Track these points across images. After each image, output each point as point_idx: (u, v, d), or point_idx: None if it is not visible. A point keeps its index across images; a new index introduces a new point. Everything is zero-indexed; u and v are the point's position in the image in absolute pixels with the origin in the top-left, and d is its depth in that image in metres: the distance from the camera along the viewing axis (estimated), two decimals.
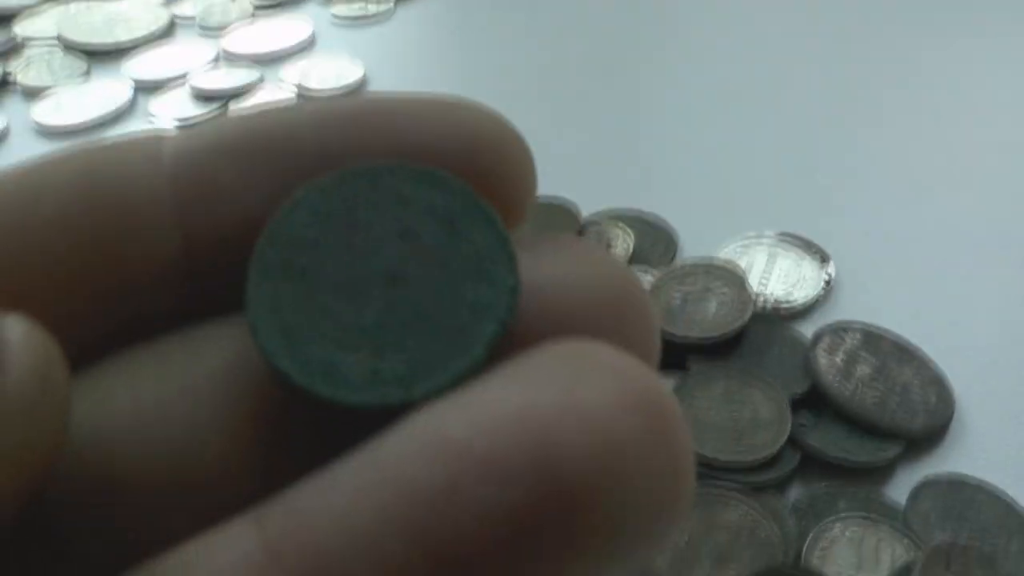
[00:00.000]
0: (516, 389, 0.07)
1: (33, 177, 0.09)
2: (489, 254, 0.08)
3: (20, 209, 0.09)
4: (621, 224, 0.32)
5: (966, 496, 0.23)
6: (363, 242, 0.09)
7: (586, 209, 0.33)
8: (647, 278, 0.30)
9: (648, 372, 0.08)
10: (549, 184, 0.35)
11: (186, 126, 0.42)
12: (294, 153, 0.09)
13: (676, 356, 0.27)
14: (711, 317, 0.28)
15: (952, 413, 0.26)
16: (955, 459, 0.25)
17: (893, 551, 0.22)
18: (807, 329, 0.28)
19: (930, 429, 0.25)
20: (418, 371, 0.08)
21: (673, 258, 0.32)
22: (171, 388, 0.09)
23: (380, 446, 0.07)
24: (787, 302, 0.29)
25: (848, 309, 0.30)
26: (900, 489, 0.24)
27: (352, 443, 0.08)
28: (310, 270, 0.08)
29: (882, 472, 0.25)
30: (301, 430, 0.08)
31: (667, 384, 0.08)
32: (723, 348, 0.27)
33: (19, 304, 0.08)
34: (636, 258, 0.31)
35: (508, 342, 0.08)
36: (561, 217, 0.33)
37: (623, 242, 0.32)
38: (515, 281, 0.08)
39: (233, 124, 0.10)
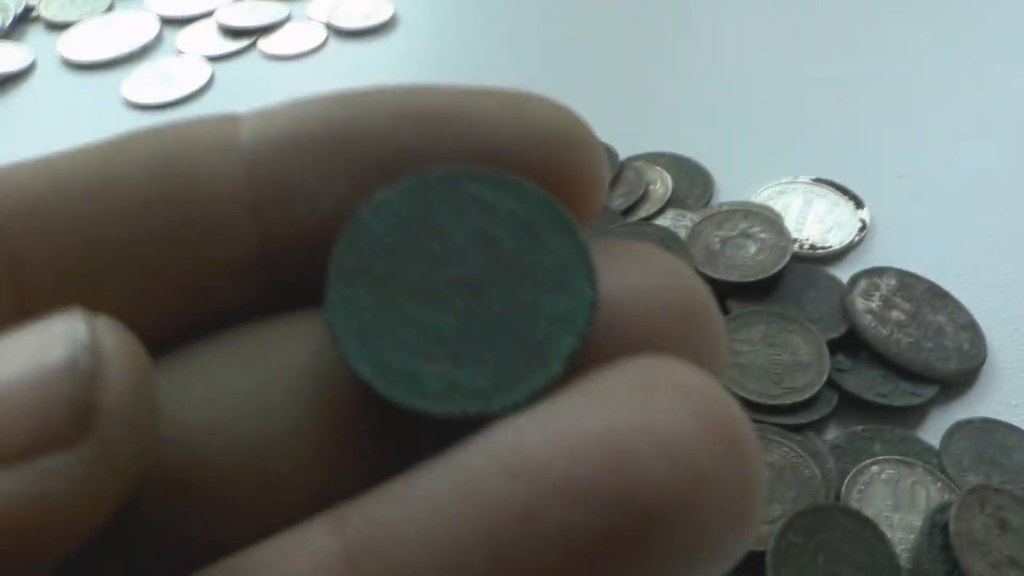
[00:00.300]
0: (594, 410, 0.07)
1: (108, 161, 0.09)
2: (569, 264, 0.08)
3: (95, 196, 0.09)
4: (658, 166, 0.33)
5: (998, 439, 0.24)
6: (442, 248, 0.09)
7: (623, 152, 0.34)
8: (685, 221, 0.30)
9: (721, 392, 0.08)
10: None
11: (219, 58, 0.42)
12: (374, 153, 0.09)
13: (722, 300, 0.28)
14: (750, 260, 0.28)
15: (984, 357, 0.26)
16: (987, 403, 0.26)
17: (928, 492, 0.23)
18: (842, 273, 0.29)
19: (963, 373, 0.26)
20: (497, 384, 0.08)
21: (709, 201, 0.32)
22: (248, 384, 0.09)
23: (460, 460, 0.07)
24: (823, 246, 0.30)
25: (883, 253, 0.30)
26: (933, 432, 0.25)
27: (428, 450, 0.08)
28: (389, 275, 0.08)
29: (916, 414, 0.25)
30: (377, 432, 0.08)
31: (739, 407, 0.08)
32: (761, 291, 0.28)
33: (92, 292, 0.09)
34: (673, 200, 0.31)
35: (585, 355, 0.08)
36: None
37: (661, 184, 0.32)
38: (594, 294, 0.08)
39: (310, 114, 0.09)
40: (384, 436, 0.08)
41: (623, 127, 0.35)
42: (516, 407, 0.08)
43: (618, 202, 0.32)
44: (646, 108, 0.37)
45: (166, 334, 0.09)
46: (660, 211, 0.31)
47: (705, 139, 0.35)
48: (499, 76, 0.40)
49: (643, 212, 0.31)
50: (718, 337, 0.09)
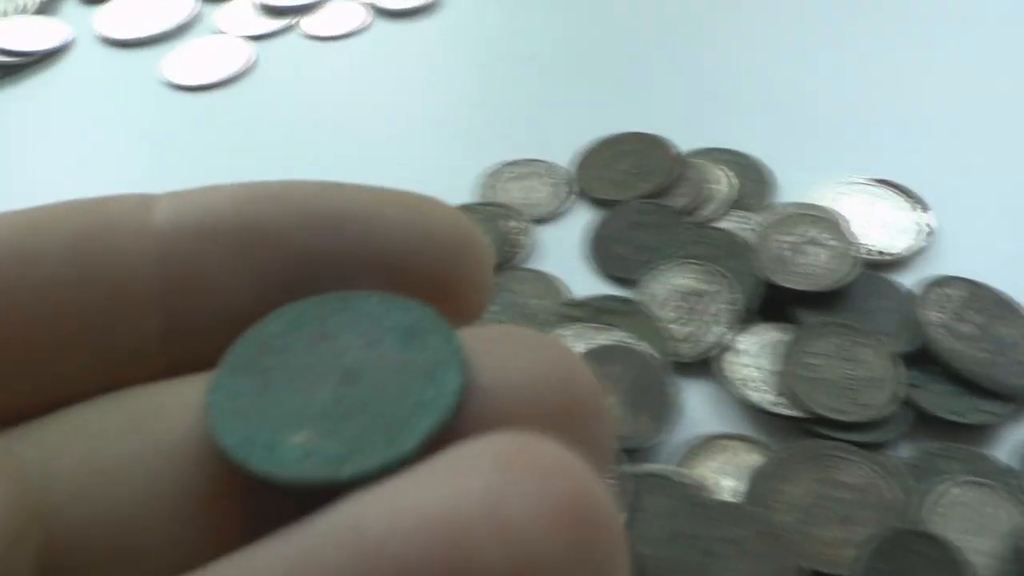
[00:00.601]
0: (440, 489, 0.07)
1: (27, 238, 0.09)
2: (442, 360, 0.09)
3: (13, 272, 0.09)
4: (720, 165, 0.32)
5: None
6: (327, 348, 0.09)
7: (680, 145, 0.33)
8: (749, 224, 0.30)
9: (582, 475, 0.07)
10: (642, 119, 0.35)
11: (259, 37, 0.41)
12: (278, 253, 0.10)
13: (782, 307, 0.28)
14: (821, 268, 0.28)
15: None
16: None
17: (1008, 515, 0.23)
18: (905, 279, 0.28)
19: None
20: (351, 455, 0.08)
21: (769, 202, 0.31)
22: (123, 450, 0.09)
23: (302, 532, 0.07)
24: (889, 252, 0.29)
25: (947, 261, 0.30)
26: (1008, 451, 0.25)
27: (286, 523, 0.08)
28: (273, 367, 0.09)
29: (990, 433, 0.25)
30: (248, 507, 0.09)
31: (604, 488, 0.08)
32: (829, 300, 0.28)
33: None
34: (737, 202, 0.31)
35: (450, 437, 0.08)
36: (656, 151, 0.33)
37: (724, 184, 0.31)
38: (460, 383, 0.09)
39: (222, 208, 0.10)
40: (252, 511, 0.09)
41: (679, 119, 0.34)
42: (365, 477, 0.08)
43: (680, 202, 0.31)
44: (702, 101, 0.36)
45: (66, 397, 0.09)
46: (723, 213, 0.31)
47: (761, 135, 0.34)
48: (546, 61, 0.39)
49: (707, 213, 0.31)
50: (600, 421, 0.09)
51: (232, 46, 0.41)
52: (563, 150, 0.34)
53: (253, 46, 0.41)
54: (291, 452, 0.08)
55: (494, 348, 0.09)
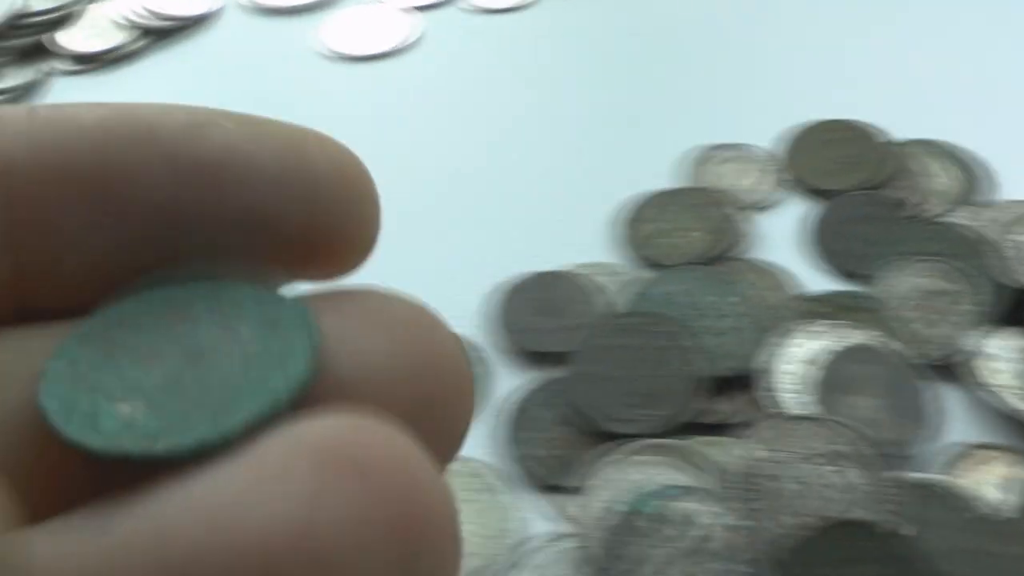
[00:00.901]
0: (253, 504, 0.07)
1: None
2: (293, 351, 0.09)
3: None
4: (938, 157, 0.31)
5: None
6: (183, 329, 0.09)
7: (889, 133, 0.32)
8: (981, 220, 0.29)
9: (410, 474, 0.07)
10: (842, 104, 0.33)
11: (422, 8, 0.39)
12: (141, 205, 0.09)
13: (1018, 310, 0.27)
14: None
15: None
16: None
17: None
18: None
19: None
20: (170, 430, 0.08)
21: (992, 198, 0.30)
22: None
23: (108, 523, 0.07)
24: None
25: None
26: None
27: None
28: (121, 341, 0.09)
29: None
30: (72, 477, 0.08)
31: (438, 484, 0.08)
32: None
33: None
34: (959, 197, 0.30)
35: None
36: (865, 140, 0.32)
37: (946, 177, 0.30)
38: (306, 375, 0.08)
39: (83, 147, 0.09)
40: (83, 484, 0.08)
41: (885, 106, 0.33)
42: (180, 454, 0.08)
43: (899, 195, 0.30)
44: (908, 88, 0.35)
45: None
46: (948, 209, 0.29)
47: (974, 126, 0.33)
48: (738, 39, 0.37)
49: (931, 208, 0.29)
50: (460, 413, 0.09)
51: (393, 16, 0.39)
52: (760, 135, 0.32)
53: (414, 17, 0.39)
54: (111, 422, 0.08)
55: (353, 326, 0.09)
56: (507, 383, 0.26)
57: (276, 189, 0.09)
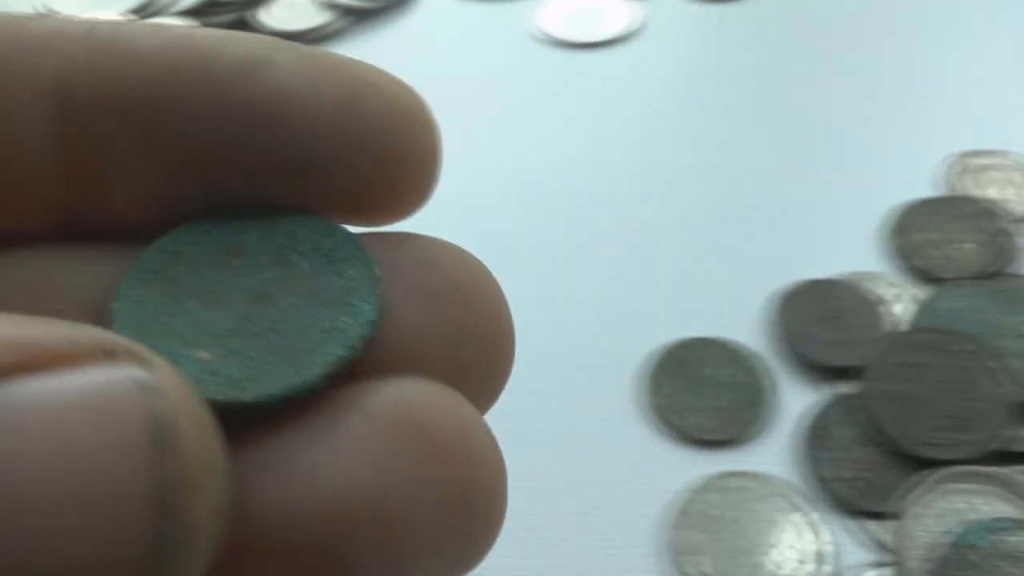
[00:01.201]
0: (329, 462, 0.07)
1: None
2: (357, 289, 0.09)
3: None
4: None
5: None
6: (241, 265, 0.09)
7: None
8: None
9: (476, 449, 0.08)
10: None
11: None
12: (195, 143, 0.09)
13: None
14: None
15: None
16: None
17: None
18: None
19: None
20: (254, 378, 0.08)
21: None
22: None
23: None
24: None
25: None
26: None
27: None
28: (183, 278, 0.09)
29: None
30: None
31: (493, 450, 0.08)
32: None
33: None
34: None
35: (357, 370, 0.08)
36: None
37: None
38: (374, 316, 0.09)
39: (138, 80, 0.09)
40: None
41: None
42: (268, 400, 0.08)
43: None
44: None
45: None
46: None
47: None
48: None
49: None
50: (503, 370, 0.09)
51: (614, 4, 0.38)
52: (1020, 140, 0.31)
53: (637, 5, 0.38)
54: (191, 368, 0.08)
55: (416, 280, 0.09)
56: (791, 396, 0.25)
57: (328, 135, 0.09)
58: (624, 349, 0.26)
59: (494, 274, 0.10)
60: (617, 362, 0.26)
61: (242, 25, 0.39)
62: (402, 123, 0.09)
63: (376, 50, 0.38)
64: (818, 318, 0.26)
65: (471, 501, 0.08)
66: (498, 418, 0.10)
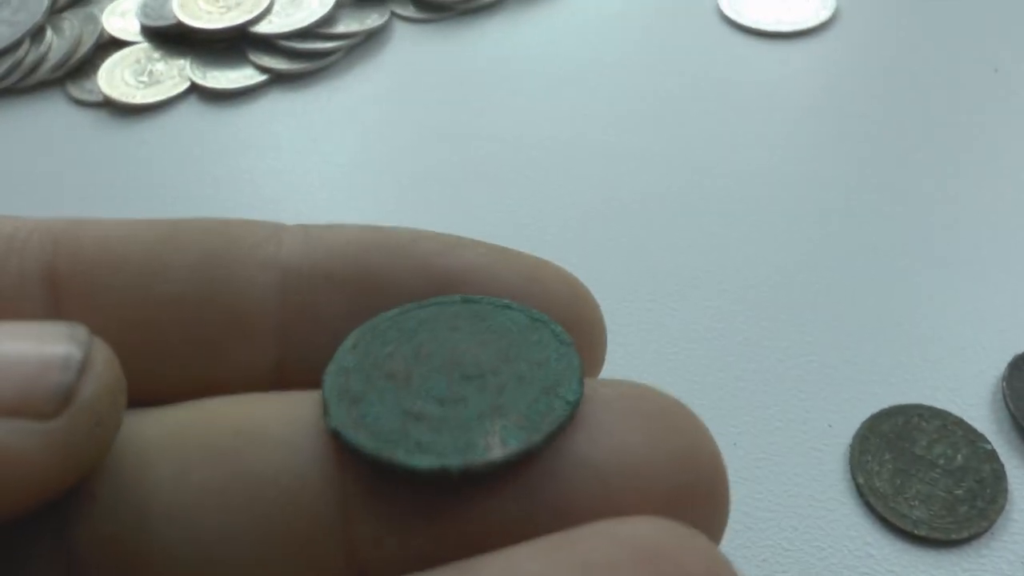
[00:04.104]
0: None
1: (162, 249, 0.10)
2: (562, 379, 0.09)
3: (143, 282, 0.10)
4: None
5: None
6: (451, 343, 0.10)
7: None
8: None
9: (711, 567, 0.08)
10: None
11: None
12: (394, 304, 0.10)
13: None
14: None
15: None
16: None
17: None
18: None
19: None
20: (460, 451, 0.09)
21: None
22: (222, 476, 0.09)
23: (470, 570, 0.08)
24: None
25: None
26: None
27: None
28: (394, 355, 0.10)
29: None
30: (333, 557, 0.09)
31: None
32: None
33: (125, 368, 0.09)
34: None
35: (544, 462, 0.09)
36: None
37: None
38: (576, 397, 0.09)
39: (347, 252, 0.10)
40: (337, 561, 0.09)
41: None
42: (473, 474, 0.09)
43: None
44: None
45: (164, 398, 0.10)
46: None
47: None
48: None
49: None
50: (718, 510, 0.09)
51: None
52: None
53: None
54: (406, 441, 0.09)
55: (614, 417, 0.09)
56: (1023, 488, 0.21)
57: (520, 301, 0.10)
58: (827, 417, 0.22)
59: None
60: (819, 432, 0.22)
61: None
62: (575, 297, 0.11)
63: (536, 24, 0.35)
64: None
65: None
66: None
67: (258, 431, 0.09)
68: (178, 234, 0.11)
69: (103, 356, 0.09)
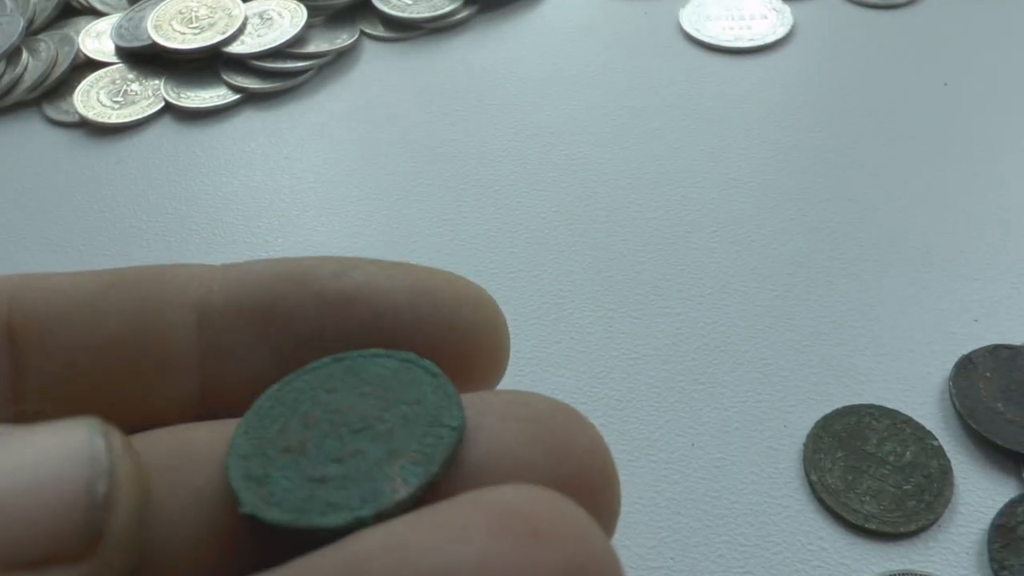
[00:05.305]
0: (440, 543, 0.08)
1: (102, 299, 0.11)
2: (440, 415, 0.10)
3: (88, 330, 0.11)
4: None
5: None
6: (339, 399, 0.11)
7: None
8: None
9: (585, 537, 0.08)
10: None
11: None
12: (295, 331, 0.11)
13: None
14: None
15: None
16: None
17: None
18: None
19: None
20: (344, 503, 0.09)
21: None
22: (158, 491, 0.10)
23: (309, 564, 0.08)
24: None
25: None
26: None
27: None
28: (291, 414, 0.11)
29: None
30: (252, 550, 0.10)
31: (604, 547, 0.08)
32: None
33: (65, 393, 0.11)
34: None
35: (445, 486, 0.10)
36: None
37: None
38: (459, 422, 0.10)
39: (255, 288, 0.12)
40: (256, 553, 0.10)
41: None
42: (360, 523, 0.09)
43: None
44: None
45: None
46: None
47: None
48: None
49: None
50: (603, 500, 0.10)
51: (763, 7, 0.34)
52: None
53: (788, 8, 0.34)
54: (318, 505, 0.09)
55: (496, 422, 0.10)
56: (973, 486, 0.22)
57: (406, 318, 0.11)
58: (781, 417, 0.23)
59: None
60: (774, 431, 0.23)
61: (364, 5, 0.37)
62: (468, 301, 0.11)
63: (502, 41, 0.36)
64: (1001, 392, 0.23)
65: None
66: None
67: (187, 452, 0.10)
68: (118, 283, 0.12)
69: (127, 467, 0.09)
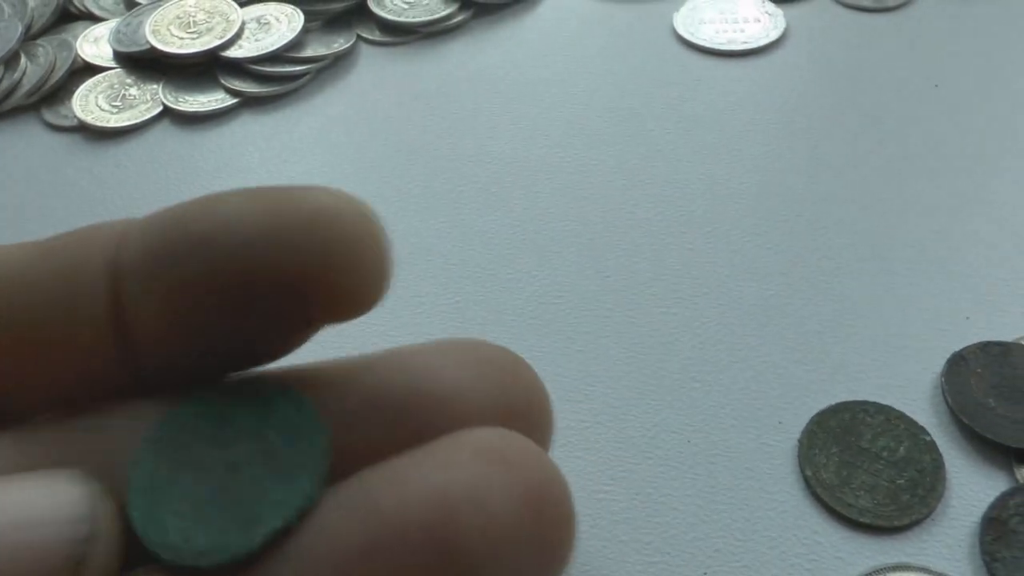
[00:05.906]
0: (435, 473, 0.10)
1: (30, 268, 0.12)
2: (307, 465, 0.11)
3: (13, 299, 0.11)
4: None
5: None
6: (227, 438, 0.11)
7: None
8: None
9: (541, 464, 0.10)
10: None
11: (786, 1, 0.35)
12: (177, 279, 0.11)
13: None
14: None
15: None
16: None
17: None
18: None
19: None
20: (213, 546, 0.10)
21: None
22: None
23: (323, 507, 0.10)
24: None
25: None
26: None
27: None
28: (183, 451, 0.11)
29: None
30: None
31: (558, 472, 0.11)
32: None
33: None
34: None
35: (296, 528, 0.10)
36: None
37: None
38: (309, 494, 0.10)
39: (138, 243, 0.11)
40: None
41: None
42: (222, 564, 0.10)
43: None
44: None
45: (28, 402, 0.12)
46: None
47: None
48: None
49: None
50: (541, 422, 0.12)
51: (755, 10, 0.35)
52: None
53: (780, 10, 0.35)
54: (175, 536, 0.10)
55: (449, 362, 0.12)
56: (965, 480, 0.22)
57: (265, 244, 0.11)
58: (777, 414, 0.24)
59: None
60: (770, 428, 0.23)
61: (361, 9, 0.38)
62: (323, 224, 0.11)
63: (498, 45, 0.36)
64: (993, 389, 0.23)
65: (542, 508, 0.10)
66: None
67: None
68: (50, 250, 0.12)
69: (109, 540, 0.10)
